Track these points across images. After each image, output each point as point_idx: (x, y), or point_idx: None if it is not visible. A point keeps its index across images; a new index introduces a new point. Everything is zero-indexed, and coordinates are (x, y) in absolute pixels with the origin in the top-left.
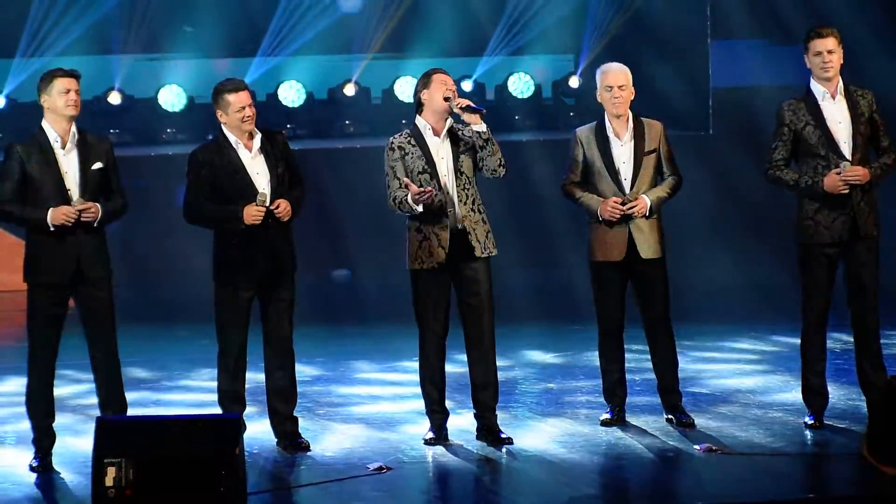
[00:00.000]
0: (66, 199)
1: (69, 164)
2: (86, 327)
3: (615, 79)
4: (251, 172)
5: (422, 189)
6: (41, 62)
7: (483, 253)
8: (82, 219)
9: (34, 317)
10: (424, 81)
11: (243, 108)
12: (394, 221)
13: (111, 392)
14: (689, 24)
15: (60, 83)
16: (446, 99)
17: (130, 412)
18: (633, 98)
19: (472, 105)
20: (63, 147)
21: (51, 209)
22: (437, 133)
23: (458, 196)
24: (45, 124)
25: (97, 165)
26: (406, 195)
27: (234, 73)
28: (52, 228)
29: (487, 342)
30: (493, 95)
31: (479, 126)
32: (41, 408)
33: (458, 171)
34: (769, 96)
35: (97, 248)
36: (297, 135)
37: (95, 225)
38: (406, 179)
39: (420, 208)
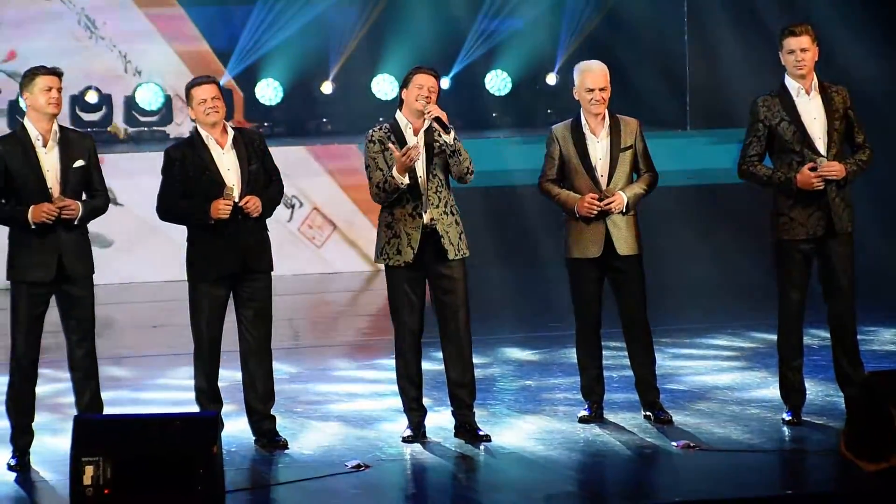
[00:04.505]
0: (47, 197)
1: (50, 162)
2: (66, 326)
3: (595, 81)
4: (221, 168)
5: (410, 147)
6: None
7: (457, 255)
8: (62, 216)
9: (17, 315)
10: (406, 79)
11: (204, 100)
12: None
13: (88, 391)
14: (665, 21)
15: (43, 81)
16: (418, 100)
17: (108, 411)
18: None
19: (442, 120)
20: (45, 145)
21: (32, 206)
22: (415, 132)
23: (431, 199)
24: (26, 122)
25: (79, 163)
26: (389, 174)
27: None
28: (32, 226)
29: (464, 339)
30: (470, 92)
31: (447, 137)
32: (22, 407)
33: (430, 173)
34: (746, 93)
35: (78, 245)
36: (274, 133)
37: (76, 223)
38: (392, 146)
39: (407, 180)
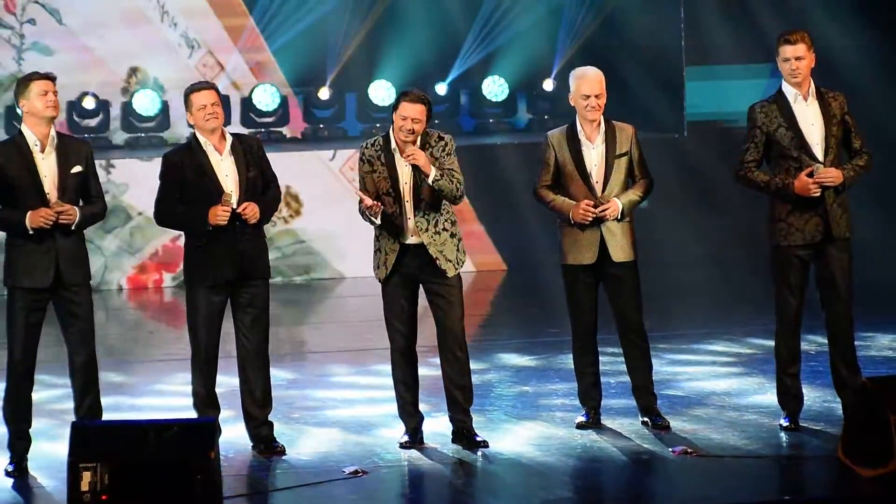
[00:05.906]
0: (44, 202)
1: (48, 168)
2: (65, 332)
3: (591, 87)
4: (220, 174)
5: (371, 204)
6: None
7: (457, 269)
8: (60, 221)
9: (13, 321)
10: (395, 103)
11: (204, 106)
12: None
13: (88, 397)
14: (662, 27)
15: (38, 86)
16: (401, 131)
17: (106, 416)
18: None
19: (419, 166)
20: (42, 150)
21: (29, 212)
22: (401, 153)
23: (418, 224)
24: (24, 128)
25: (76, 169)
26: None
27: None
28: (30, 231)
29: (459, 344)
30: (468, 98)
31: (429, 177)
32: (19, 413)
33: (417, 197)
34: (742, 98)
35: (75, 251)
36: (271, 138)
37: (73, 228)
38: (361, 193)
39: (378, 221)
